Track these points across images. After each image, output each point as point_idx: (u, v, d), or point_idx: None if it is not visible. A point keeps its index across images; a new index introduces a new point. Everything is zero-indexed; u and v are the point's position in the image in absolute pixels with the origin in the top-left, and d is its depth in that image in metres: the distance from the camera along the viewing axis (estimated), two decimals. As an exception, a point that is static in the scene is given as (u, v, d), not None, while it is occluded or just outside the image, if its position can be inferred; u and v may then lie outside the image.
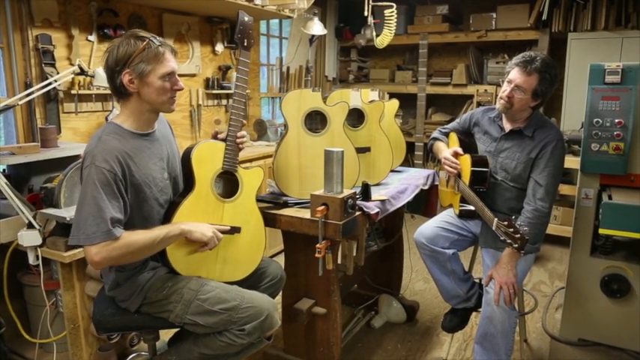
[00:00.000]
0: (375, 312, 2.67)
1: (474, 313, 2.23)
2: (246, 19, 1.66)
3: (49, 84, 2.16)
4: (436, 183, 2.51)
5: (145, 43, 1.43)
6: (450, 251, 2.08)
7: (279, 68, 4.41)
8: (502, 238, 1.73)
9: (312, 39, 3.11)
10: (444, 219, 2.19)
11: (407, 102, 4.71)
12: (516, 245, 1.67)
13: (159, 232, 1.46)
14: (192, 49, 3.40)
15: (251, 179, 1.73)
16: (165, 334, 1.84)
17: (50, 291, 2.04)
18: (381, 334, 2.54)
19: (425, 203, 2.59)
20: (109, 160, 1.39)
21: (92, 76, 2.23)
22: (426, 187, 2.44)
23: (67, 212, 1.89)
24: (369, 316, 2.64)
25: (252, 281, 1.75)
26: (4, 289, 2.10)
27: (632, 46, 3.57)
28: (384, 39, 2.86)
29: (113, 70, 1.45)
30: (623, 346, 2.29)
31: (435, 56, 4.96)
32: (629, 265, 2.22)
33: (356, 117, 2.24)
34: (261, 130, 3.93)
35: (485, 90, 4.34)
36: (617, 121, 2.14)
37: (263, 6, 3.22)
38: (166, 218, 1.57)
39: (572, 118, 3.78)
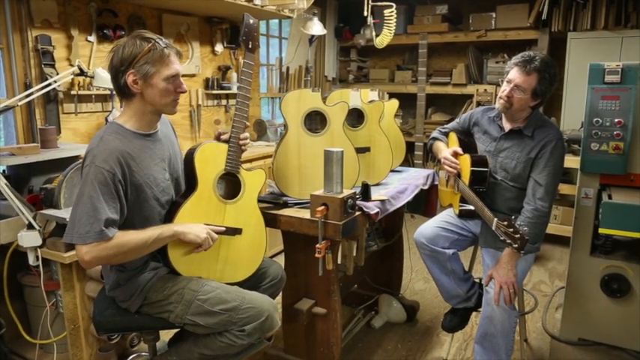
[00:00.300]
0: (375, 312, 2.67)
1: (474, 313, 2.23)
2: (251, 21, 1.67)
3: (49, 85, 2.16)
4: (436, 183, 2.51)
5: (150, 44, 1.43)
6: (450, 251, 2.08)
7: (278, 68, 4.41)
8: (502, 238, 1.73)
9: (311, 39, 3.11)
10: (444, 219, 2.19)
11: (407, 102, 4.71)
12: (516, 245, 1.67)
13: (152, 233, 1.46)
14: (191, 49, 3.40)
15: (253, 181, 1.73)
16: (166, 335, 1.84)
17: (50, 292, 2.04)
18: (381, 334, 2.54)
19: (425, 203, 2.59)
20: (108, 161, 1.40)
21: (92, 77, 2.23)
22: (426, 187, 2.43)
23: (67, 213, 1.88)
24: (369, 316, 2.64)
25: (252, 282, 1.75)
26: (4, 289, 2.10)
27: (632, 46, 3.57)
28: (383, 39, 2.86)
29: (117, 70, 1.45)
30: (623, 345, 2.29)
31: (434, 56, 4.96)
32: (629, 265, 2.22)
33: (356, 117, 2.24)
34: (260, 130, 3.93)
35: (485, 90, 4.34)
36: (616, 120, 2.14)
37: (263, 6, 3.22)
38: (168, 219, 1.57)
39: (571, 117, 3.78)
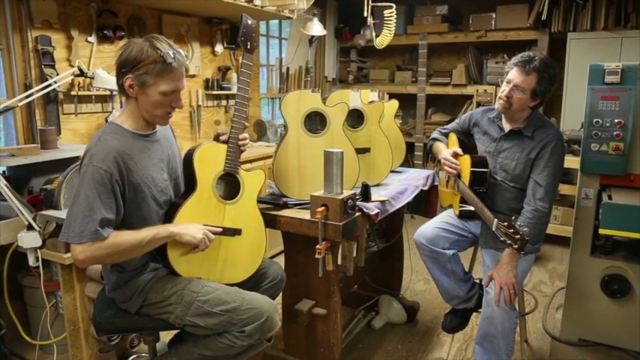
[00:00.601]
0: (375, 313, 2.67)
1: (474, 314, 2.23)
2: (249, 22, 1.67)
3: (49, 85, 2.16)
4: (436, 183, 2.51)
5: (155, 56, 1.42)
6: (450, 252, 2.08)
7: (278, 69, 4.41)
8: (502, 239, 1.73)
9: (311, 39, 3.11)
10: (444, 219, 2.18)
11: (406, 102, 4.71)
12: (516, 246, 1.67)
13: (147, 233, 1.46)
14: (191, 49, 3.40)
15: (252, 181, 1.73)
16: (166, 336, 1.84)
17: (50, 292, 2.04)
18: (382, 335, 2.54)
19: (425, 204, 2.59)
20: (106, 160, 1.40)
21: (92, 78, 2.23)
22: (426, 188, 2.43)
23: (67, 214, 1.89)
24: (370, 317, 2.64)
25: (252, 282, 1.75)
26: (4, 290, 2.10)
27: (632, 46, 3.57)
28: (383, 39, 2.86)
29: (119, 70, 1.46)
30: (623, 346, 2.29)
31: (434, 56, 4.96)
32: (629, 265, 2.22)
33: (355, 117, 2.23)
34: (260, 130, 3.92)
35: (485, 90, 4.34)
36: (616, 121, 2.14)
37: (263, 7, 3.22)
38: (167, 219, 1.57)
39: (571, 118, 3.78)
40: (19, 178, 2.19)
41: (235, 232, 1.67)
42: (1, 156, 2.00)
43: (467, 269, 2.21)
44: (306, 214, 1.82)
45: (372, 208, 1.90)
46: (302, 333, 2.03)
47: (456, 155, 2.12)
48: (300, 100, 1.95)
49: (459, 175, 2.11)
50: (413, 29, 4.62)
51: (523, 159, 1.98)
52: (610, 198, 2.15)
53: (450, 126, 2.35)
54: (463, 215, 2.11)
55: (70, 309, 1.97)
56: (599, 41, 3.71)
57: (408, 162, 4.60)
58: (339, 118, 2.00)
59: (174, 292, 1.53)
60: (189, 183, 1.64)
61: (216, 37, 3.62)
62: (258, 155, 3.39)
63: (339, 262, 2.07)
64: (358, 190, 1.94)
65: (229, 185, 1.73)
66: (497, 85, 4.13)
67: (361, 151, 2.17)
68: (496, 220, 1.76)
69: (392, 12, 2.74)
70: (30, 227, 1.88)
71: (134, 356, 2.22)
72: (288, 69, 4.48)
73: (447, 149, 2.20)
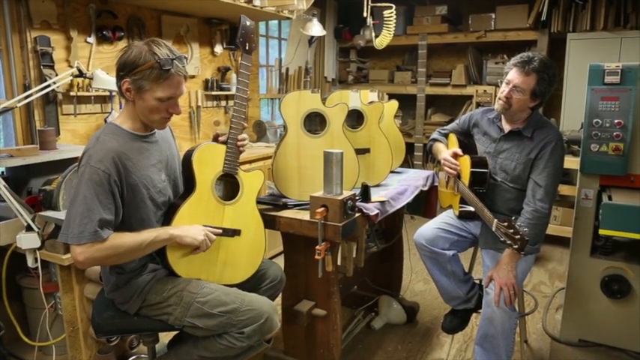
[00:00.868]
0: (375, 313, 2.67)
1: (474, 314, 2.22)
2: (247, 23, 1.67)
3: (48, 86, 2.16)
4: (436, 184, 2.51)
5: (153, 62, 1.41)
6: (450, 252, 2.08)
7: (278, 69, 4.41)
8: (502, 239, 1.73)
9: (311, 40, 3.11)
10: (444, 220, 2.18)
11: (406, 103, 4.71)
12: (516, 246, 1.67)
13: (147, 235, 1.46)
14: (191, 50, 3.40)
15: (251, 182, 1.73)
16: (165, 337, 1.84)
17: (49, 293, 2.03)
18: (382, 336, 2.53)
19: (424, 204, 2.59)
20: (104, 161, 1.39)
21: (91, 78, 2.23)
22: (426, 188, 2.43)
23: (66, 215, 1.89)
24: (369, 318, 2.64)
25: (252, 283, 1.74)
26: (3, 291, 2.10)
27: (632, 47, 3.57)
28: (383, 40, 2.86)
29: (118, 72, 1.46)
30: (623, 346, 2.29)
31: (434, 57, 4.95)
32: (629, 266, 2.22)
33: (355, 118, 2.23)
34: (260, 131, 3.92)
35: (485, 90, 4.34)
36: (616, 121, 2.14)
37: (262, 7, 3.22)
38: (166, 220, 1.57)
39: (571, 118, 3.78)
40: (18, 178, 2.19)
41: (235, 232, 1.67)
42: (0, 157, 1.99)
43: (467, 270, 2.21)
44: (305, 215, 1.81)
45: (371, 208, 1.89)
46: (302, 334, 2.03)
47: (455, 156, 2.12)
48: (300, 100, 1.95)
49: (458, 176, 2.11)
50: (412, 29, 4.62)
51: (523, 159, 1.97)
52: (610, 198, 2.14)
53: (450, 126, 2.35)
54: (463, 216, 2.11)
55: (69, 310, 1.96)
56: (598, 42, 3.71)
57: (407, 162, 4.60)
58: (339, 118, 2.00)
59: (173, 293, 1.53)
60: (188, 184, 1.63)
61: (215, 37, 3.61)
62: (258, 156, 3.39)
63: (339, 263, 2.07)
64: (358, 191, 1.94)
65: (228, 186, 1.72)
66: (497, 86, 4.13)
67: (361, 151, 2.16)
68: (496, 220, 1.76)
69: (391, 12, 2.74)
70: (29, 228, 1.88)
71: (133, 357, 2.21)
72: (287, 69, 4.47)
73: (446, 150, 2.20)
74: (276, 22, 4.46)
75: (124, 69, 1.43)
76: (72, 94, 2.65)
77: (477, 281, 2.19)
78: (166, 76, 1.43)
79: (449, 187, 2.27)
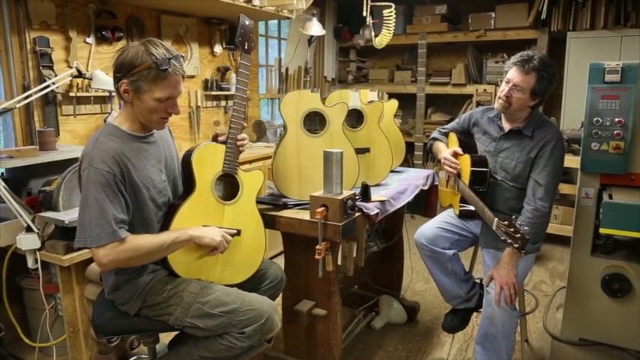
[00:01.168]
0: (375, 313, 2.66)
1: (474, 314, 2.22)
2: (247, 22, 1.67)
3: (47, 86, 2.16)
4: (436, 183, 2.51)
5: (148, 63, 1.40)
6: (451, 252, 2.08)
7: (277, 69, 4.41)
8: (502, 238, 1.73)
9: (310, 39, 3.11)
10: (444, 219, 2.18)
11: (406, 102, 4.71)
12: (517, 245, 1.67)
13: (167, 236, 1.47)
14: (190, 50, 3.40)
15: (251, 182, 1.72)
16: (166, 337, 1.84)
17: (49, 294, 2.03)
18: (382, 335, 2.53)
19: (425, 204, 2.59)
20: (106, 161, 1.39)
21: (90, 79, 2.23)
22: (426, 188, 2.43)
23: (66, 215, 1.89)
24: (370, 317, 2.64)
25: (252, 283, 1.74)
26: (3, 292, 2.10)
27: (632, 45, 3.56)
28: (382, 39, 2.86)
29: (115, 74, 1.46)
30: (624, 345, 2.28)
31: (434, 56, 4.95)
32: (630, 265, 2.21)
33: (355, 117, 2.23)
34: (260, 131, 3.92)
35: (485, 89, 4.33)
36: (617, 120, 2.14)
37: (261, 7, 3.21)
38: (166, 220, 1.57)
39: (571, 117, 3.78)
40: (17, 179, 2.19)
41: (235, 232, 1.67)
42: (-1, 157, 1.99)
43: (467, 269, 2.21)
44: (305, 215, 1.81)
45: (371, 208, 1.89)
46: (302, 334, 2.03)
47: (455, 155, 2.12)
48: (300, 100, 1.95)
49: (459, 175, 2.10)
50: (412, 29, 4.61)
51: (523, 158, 1.97)
52: (610, 197, 2.14)
53: (450, 125, 2.35)
54: (463, 215, 2.11)
55: (70, 311, 1.96)
56: (598, 40, 3.71)
57: (407, 162, 4.59)
58: (339, 118, 1.99)
59: (173, 294, 1.53)
60: (187, 184, 1.63)
61: (215, 37, 3.61)
62: (258, 156, 3.38)
63: (339, 263, 2.07)
64: (358, 191, 1.94)
65: (228, 186, 1.72)
66: (497, 85, 4.12)
67: (361, 151, 2.16)
68: (496, 219, 1.76)
69: (391, 11, 2.74)
70: (29, 229, 1.88)
71: (134, 358, 2.21)
72: (287, 69, 4.47)
73: (446, 149, 2.20)
74: (275, 21, 4.46)
75: (121, 70, 1.43)
76: (71, 94, 2.65)
77: (478, 280, 2.19)
78: (164, 76, 1.43)
79: (449, 186, 2.27)
